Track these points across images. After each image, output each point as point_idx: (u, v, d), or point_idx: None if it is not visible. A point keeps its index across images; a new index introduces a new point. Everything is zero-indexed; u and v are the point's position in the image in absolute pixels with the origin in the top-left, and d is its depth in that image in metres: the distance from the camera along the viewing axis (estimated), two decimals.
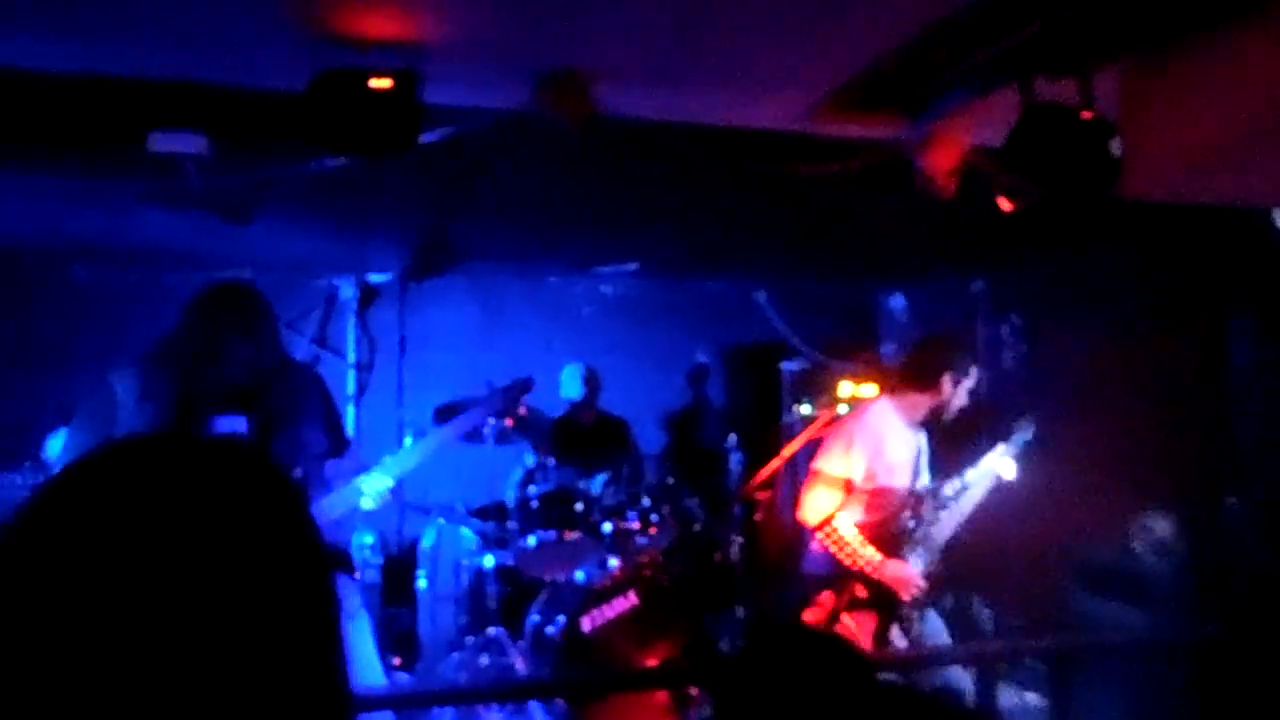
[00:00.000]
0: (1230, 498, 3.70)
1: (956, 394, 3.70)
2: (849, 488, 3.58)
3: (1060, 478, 4.78)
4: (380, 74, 2.23)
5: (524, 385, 3.23)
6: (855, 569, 3.52)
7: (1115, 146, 2.34)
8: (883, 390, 3.88)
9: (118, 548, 0.70)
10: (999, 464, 3.72)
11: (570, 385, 5.60)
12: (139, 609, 0.68)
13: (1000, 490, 3.79)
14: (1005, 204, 2.71)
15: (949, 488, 3.71)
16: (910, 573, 3.55)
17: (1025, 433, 3.78)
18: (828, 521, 3.53)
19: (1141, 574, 3.97)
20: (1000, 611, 5.21)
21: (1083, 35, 2.34)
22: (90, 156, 3.05)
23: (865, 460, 3.60)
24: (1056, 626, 4.45)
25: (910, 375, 3.75)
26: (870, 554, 3.52)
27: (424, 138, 2.46)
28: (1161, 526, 3.95)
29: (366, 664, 3.12)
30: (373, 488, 3.00)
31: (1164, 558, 3.89)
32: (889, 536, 3.62)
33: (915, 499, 3.69)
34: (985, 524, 4.70)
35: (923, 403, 3.71)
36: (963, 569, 4.79)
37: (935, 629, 3.79)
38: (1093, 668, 4.00)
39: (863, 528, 3.60)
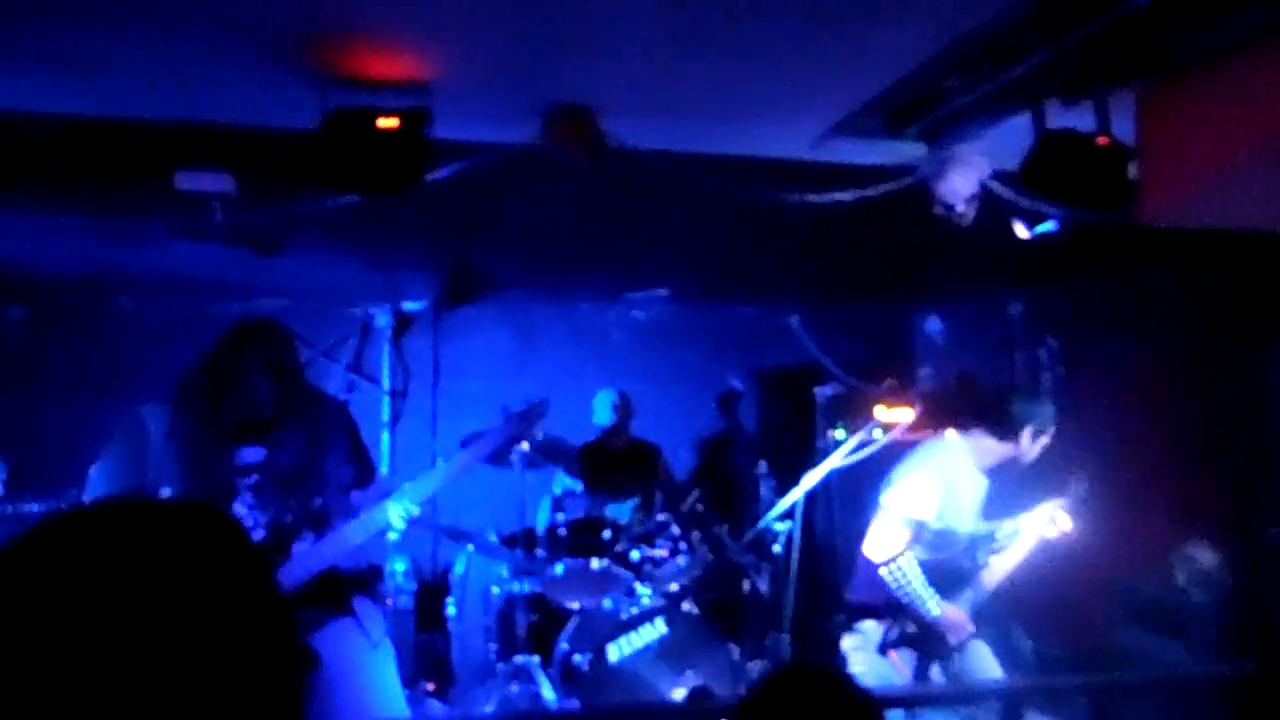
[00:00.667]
0: (1273, 529, 3.57)
1: (1033, 449, 3.64)
2: (918, 528, 3.54)
3: (1101, 506, 4.66)
4: (388, 113, 2.27)
5: (539, 409, 3.22)
6: (914, 608, 3.47)
7: (1131, 171, 2.29)
8: (940, 425, 3.80)
9: (65, 616, 0.71)
10: (1055, 515, 3.65)
11: (602, 411, 5.60)
12: (83, 674, 0.70)
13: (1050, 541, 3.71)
14: (1022, 230, 2.66)
15: (1003, 532, 3.66)
16: (962, 618, 3.52)
17: (1081, 487, 3.72)
18: (894, 559, 3.48)
19: (1183, 606, 3.85)
20: (1042, 643, 5.08)
21: (1096, 60, 2.30)
22: (121, 195, 3.14)
23: (938, 500, 3.56)
24: (1099, 660, 4.32)
25: (990, 422, 3.67)
26: (930, 595, 3.48)
27: (435, 174, 2.50)
28: (1204, 558, 3.82)
29: (389, 693, 3.12)
30: (397, 513, 3.00)
31: (1207, 590, 3.77)
32: (945, 577, 3.58)
33: (973, 542, 3.65)
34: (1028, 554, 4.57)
35: (998, 450, 3.65)
36: (1003, 598, 4.68)
37: (979, 660, 3.70)
38: (1135, 702, 3.87)
39: (923, 565, 3.56)
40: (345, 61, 2.30)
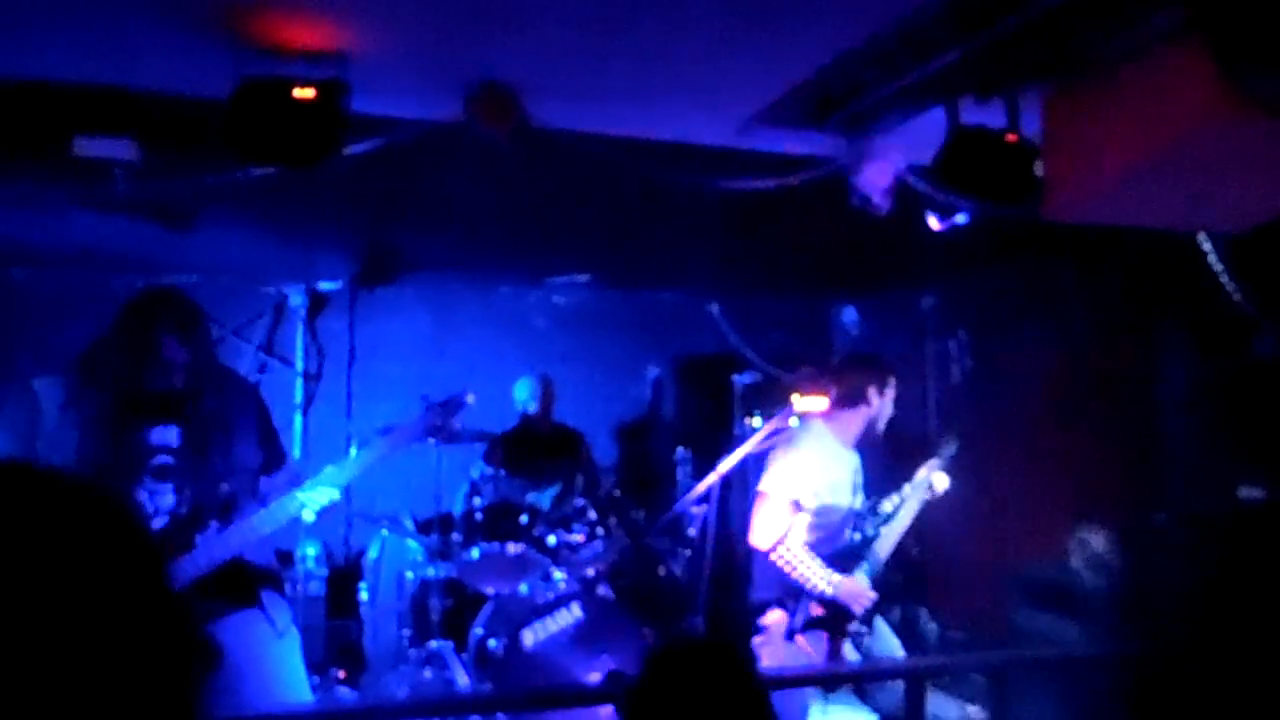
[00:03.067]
0: (1159, 513, 3.77)
1: (884, 404, 3.81)
2: (795, 508, 3.62)
3: (1004, 492, 4.84)
4: (304, 84, 2.21)
5: (457, 402, 3.18)
6: (810, 588, 3.55)
7: (1038, 168, 2.38)
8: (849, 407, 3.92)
9: None
10: (932, 478, 3.81)
11: (524, 398, 5.56)
12: None
13: (942, 504, 3.88)
14: (934, 222, 2.74)
15: (887, 504, 3.79)
16: (861, 586, 3.62)
17: (951, 448, 3.91)
18: (780, 543, 3.56)
19: (1078, 589, 4.02)
20: (945, 624, 5.26)
21: (1007, 59, 2.38)
22: (16, 161, 2.99)
23: (808, 479, 3.65)
24: (997, 640, 4.49)
25: (841, 397, 3.81)
26: (823, 571, 3.57)
27: (353, 148, 2.44)
28: (1097, 541, 4.00)
29: (294, 681, 3.06)
30: (312, 499, 2.92)
31: (1099, 573, 3.95)
32: (836, 553, 3.69)
33: (856, 516, 3.77)
34: (931, 537, 4.75)
35: (855, 419, 3.81)
36: (910, 582, 4.83)
37: (884, 637, 3.84)
38: (1031, 680, 4.04)
39: (812, 546, 3.65)
40: (260, 28, 2.23)
